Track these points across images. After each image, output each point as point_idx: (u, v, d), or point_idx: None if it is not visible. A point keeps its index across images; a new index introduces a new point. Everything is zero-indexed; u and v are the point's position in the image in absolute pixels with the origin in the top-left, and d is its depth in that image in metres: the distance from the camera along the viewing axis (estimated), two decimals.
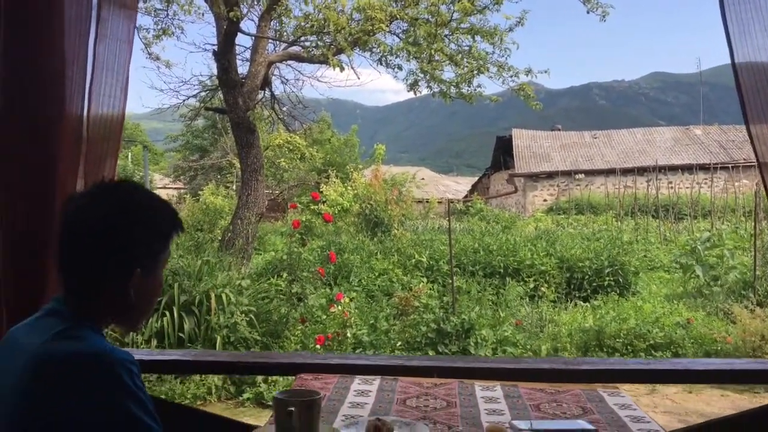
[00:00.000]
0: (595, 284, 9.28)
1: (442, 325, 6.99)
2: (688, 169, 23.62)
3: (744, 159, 22.49)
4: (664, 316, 7.77)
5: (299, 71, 11.99)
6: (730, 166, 22.15)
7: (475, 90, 9.45)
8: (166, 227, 1.38)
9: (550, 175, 27.19)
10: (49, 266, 1.88)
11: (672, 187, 22.62)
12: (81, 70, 1.95)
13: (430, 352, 6.82)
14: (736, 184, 20.15)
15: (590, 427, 1.61)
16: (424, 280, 9.04)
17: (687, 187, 21.92)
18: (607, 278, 9.26)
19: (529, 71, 9.27)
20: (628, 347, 7.03)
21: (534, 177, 27.50)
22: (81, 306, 1.31)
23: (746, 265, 9.23)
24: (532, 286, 9.17)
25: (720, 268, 9.63)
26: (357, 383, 2.02)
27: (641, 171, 23.20)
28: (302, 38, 9.87)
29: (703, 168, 22.67)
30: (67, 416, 1.18)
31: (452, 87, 9.38)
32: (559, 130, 33.33)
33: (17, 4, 1.88)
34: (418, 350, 6.90)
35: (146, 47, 10.10)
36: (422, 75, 9.37)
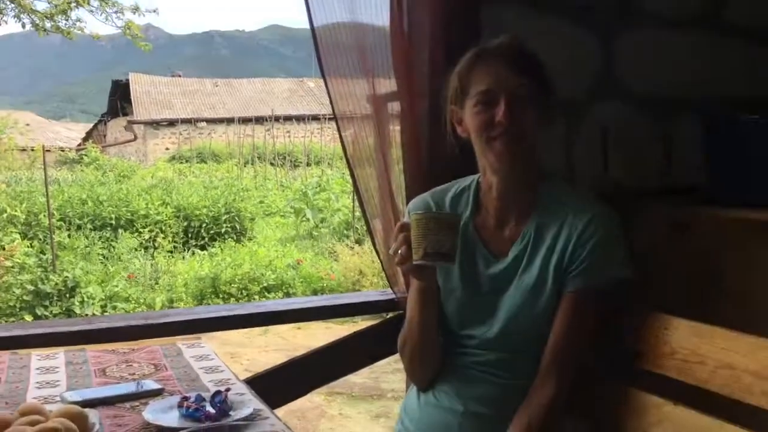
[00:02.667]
0: (212, 232, 9.29)
1: (40, 286, 6.29)
2: (302, 119, 25.03)
3: (363, 111, 24.46)
4: (277, 259, 8.11)
5: None
6: (351, 116, 23.96)
7: (74, 24, 8.52)
8: None
9: (172, 123, 26.39)
10: None
11: (289, 136, 23.76)
12: None
13: (27, 317, 6.09)
14: (357, 132, 21.94)
15: (156, 386, 1.46)
16: (20, 237, 8.02)
17: (302, 137, 23.24)
18: (225, 225, 9.33)
19: (136, 9, 8.68)
20: (243, 291, 7.19)
21: (155, 124, 26.40)
22: None
23: (348, 207, 10.11)
24: (147, 237, 8.79)
25: (327, 211, 10.41)
26: None
27: (261, 120, 23.88)
28: None
29: (316, 118, 24.24)
30: None
31: (46, 19, 8.32)
32: (180, 76, 32.51)
33: None
34: (12, 316, 6.11)
35: None
36: (7, 2, 8.13)
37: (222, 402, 1.31)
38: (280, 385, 1.91)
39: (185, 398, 1.33)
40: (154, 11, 8.83)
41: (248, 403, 1.36)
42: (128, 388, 1.45)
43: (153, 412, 1.29)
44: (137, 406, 1.38)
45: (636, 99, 2.37)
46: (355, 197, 2.06)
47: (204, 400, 1.32)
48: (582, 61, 2.31)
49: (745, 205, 1.80)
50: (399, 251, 1.43)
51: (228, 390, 1.36)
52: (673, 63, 2.40)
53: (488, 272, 1.58)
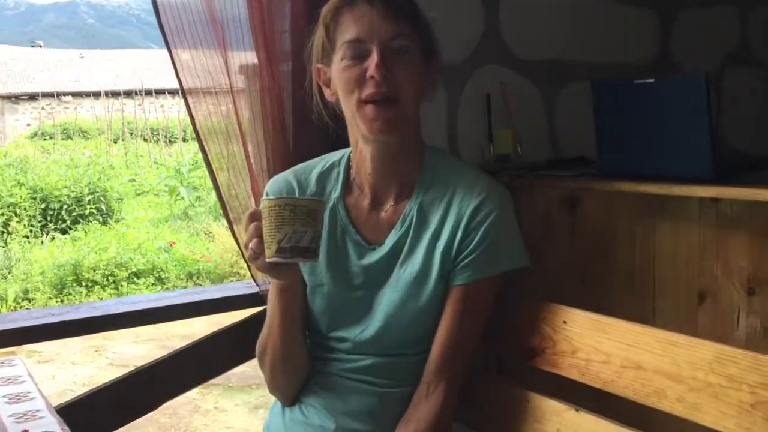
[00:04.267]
0: (75, 214, 8.54)
1: None
2: (177, 92, 23.82)
3: (219, 85, 23.54)
4: (148, 242, 7.57)
5: None
6: (205, 91, 23.04)
7: None
8: None
9: (33, 97, 24.51)
10: None
11: (163, 111, 22.58)
12: None
13: None
14: (213, 108, 21.14)
15: None
16: None
17: (177, 111, 22.13)
18: (89, 206, 8.61)
19: None
20: (109, 278, 6.64)
21: (14, 99, 24.45)
22: None
23: None
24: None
25: (203, 189, 9.87)
26: None
27: (131, 94, 22.56)
28: None
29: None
30: None
31: None
32: (41, 47, 30.29)
33: None
34: None
35: None
36: None
37: None
38: (118, 403, 1.60)
39: None
40: None
41: None
42: None
43: None
44: None
45: (521, 64, 2.20)
46: (212, 177, 1.76)
47: None
48: (463, 22, 2.10)
49: (638, 177, 1.66)
50: (250, 245, 1.16)
51: None
52: (559, 26, 2.25)
53: (362, 263, 1.34)
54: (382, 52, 1.23)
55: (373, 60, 1.22)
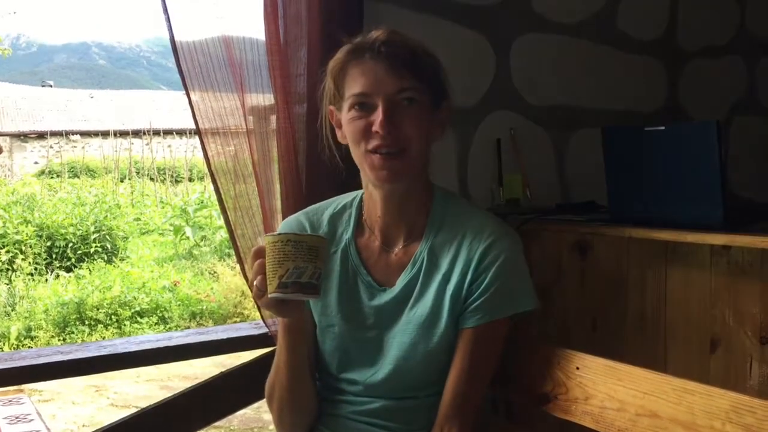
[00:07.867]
0: (80, 252, 8.55)
1: None
2: (184, 132, 24.07)
3: (235, 126, 23.80)
4: (152, 281, 7.55)
5: None
6: (220, 131, 23.24)
7: None
8: None
9: (42, 136, 24.76)
10: None
11: (170, 151, 22.76)
12: None
13: None
14: (228, 148, 21.30)
15: None
16: None
17: (185, 151, 22.30)
18: (94, 245, 8.62)
19: None
20: (112, 317, 6.62)
21: (22, 137, 24.68)
22: None
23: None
24: (4, 258, 7.98)
25: (209, 229, 9.88)
26: None
27: (139, 133, 22.79)
28: None
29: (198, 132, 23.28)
30: None
31: None
32: (51, 86, 30.74)
33: None
34: None
35: None
36: None
37: None
38: None
39: None
40: (13, 13, 8.07)
41: None
42: None
43: None
44: None
45: (531, 110, 2.23)
46: (224, 216, 1.77)
47: None
48: (474, 68, 2.14)
49: (648, 223, 1.66)
50: (255, 282, 1.16)
51: None
52: (568, 74, 2.29)
53: (372, 304, 1.34)
54: (387, 106, 1.24)
55: (378, 116, 1.24)
